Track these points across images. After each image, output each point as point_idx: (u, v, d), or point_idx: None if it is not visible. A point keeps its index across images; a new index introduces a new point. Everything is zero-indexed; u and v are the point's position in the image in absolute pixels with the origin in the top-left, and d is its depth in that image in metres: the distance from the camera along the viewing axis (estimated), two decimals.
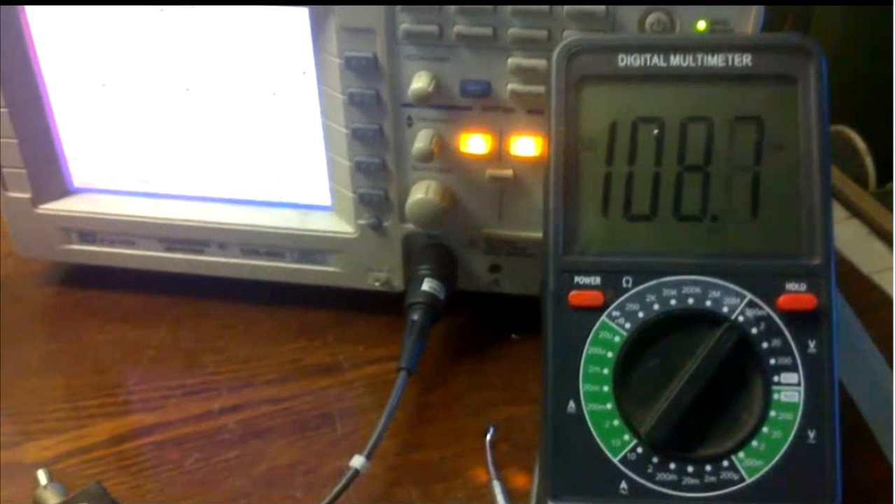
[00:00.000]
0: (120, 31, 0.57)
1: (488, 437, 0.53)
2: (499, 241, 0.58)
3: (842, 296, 0.62)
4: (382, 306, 0.60)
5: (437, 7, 0.50)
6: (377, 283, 0.60)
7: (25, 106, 0.59)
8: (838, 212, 0.91)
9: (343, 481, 0.47)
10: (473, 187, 0.55)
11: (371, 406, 0.56)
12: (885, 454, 0.52)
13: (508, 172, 0.54)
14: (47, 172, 0.62)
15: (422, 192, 0.55)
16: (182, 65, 0.57)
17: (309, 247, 0.60)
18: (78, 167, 0.63)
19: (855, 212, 0.98)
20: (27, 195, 0.62)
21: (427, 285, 0.57)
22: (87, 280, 0.66)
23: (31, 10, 0.57)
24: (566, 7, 0.48)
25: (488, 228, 0.57)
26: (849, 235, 0.91)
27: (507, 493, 0.49)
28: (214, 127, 0.59)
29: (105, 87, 0.59)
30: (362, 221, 0.58)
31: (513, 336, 0.61)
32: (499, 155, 0.54)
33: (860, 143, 1.13)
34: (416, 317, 0.55)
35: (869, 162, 1.11)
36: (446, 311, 0.58)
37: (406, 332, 0.55)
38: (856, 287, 0.67)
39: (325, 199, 0.60)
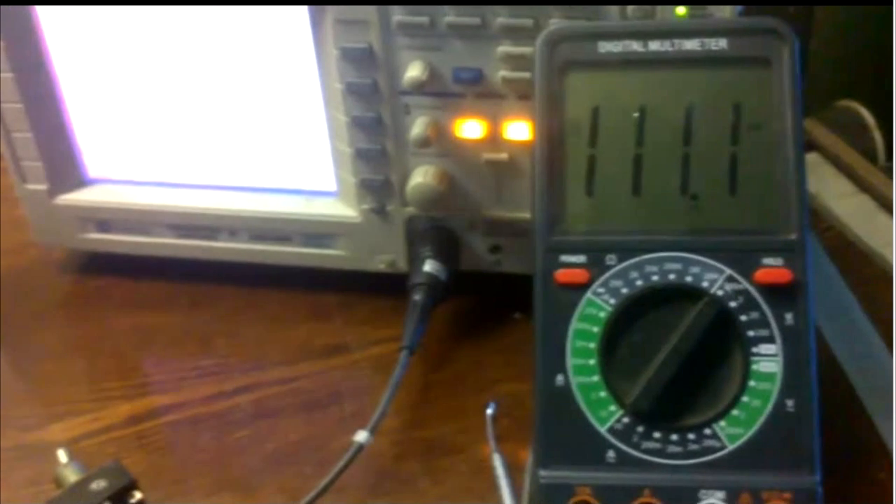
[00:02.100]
0: (129, 28, 0.58)
1: (489, 411, 0.53)
2: (498, 222, 0.59)
3: (837, 270, 0.63)
4: (389, 288, 0.61)
5: None
6: (382, 266, 0.61)
7: (40, 101, 0.61)
8: (847, 187, 0.91)
9: (347, 456, 0.49)
10: (471, 170, 0.57)
11: (377, 385, 0.56)
12: (882, 435, 0.53)
13: (504, 156, 0.56)
14: (63, 165, 0.63)
15: (421, 177, 0.56)
16: (191, 59, 0.58)
17: (315, 231, 0.61)
18: (92, 159, 0.64)
19: (864, 187, 0.97)
20: (44, 187, 0.63)
21: (429, 266, 0.58)
22: (104, 268, 0.67)
23: (42, 10, 0.58)
24: None
25: (487, 210, 0.58)
26: (858, 210, 0.91)
27: (507, 465, 0.50)
28: (223, 118, 0.60)
29: (116, 81, 0.60)
30: (365, 206, 0.59)
31: (515, 315, 0.61)
32: (493, 139, 0.55)
33: (869, 118, 1.12)
34: (418, 297, 0.57)
35: (878, 136, 1.11)
36: (449, 292, 0.59)
37: (408, 313, 0.56)
38: (861, 261, 0.67)
39: (331, 186, 0.61)
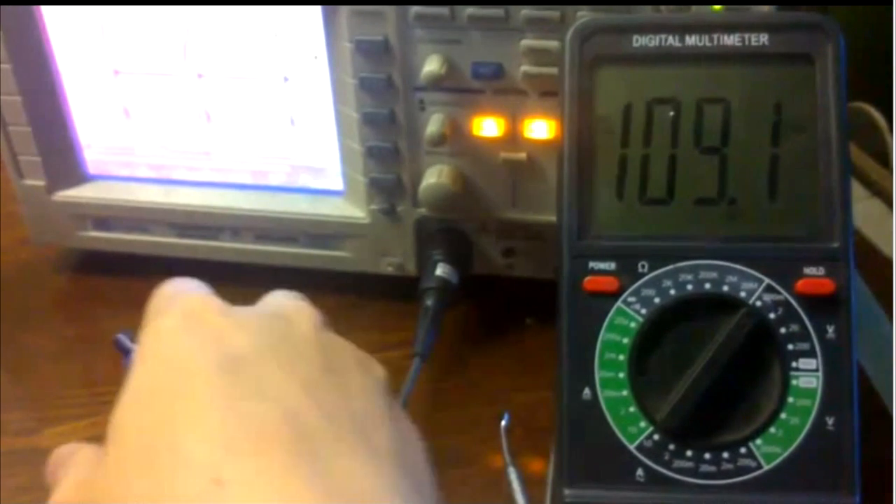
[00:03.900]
0: (132, 19, 0.57)
1: (503, 423, 0.52)
2: (513, 225, 0.57)
3: (862, 280, 0.61)
4: (397, 291, 0.60)
5: None
6: (390, 268, 0.60)
7: (39, 94, 0.59)
8: (859, 190, 0.90)
9: None
10: (487, 171, 0.55)
11: None
12: None
13: (522, 156, 0.54)
14: (62, 160, 0.62)
15: (435, 177, 0.54)
16: (194, 51, 0.57)
17: (322, 232, 0.60)
18: (92, 154, 0.63)
19: (876, 190, 0.96)
20: (42, 182, 0.62)
21: (440, 270, 0.56)
22: (101, 267, 0.66)
23: None
24: None
25: (502, 212, 0.57)
26: (870, 215, 0.90)
27: (523, 479, 0.49)
28: (227, 113, 0.59)
29: (118, 74, 0.59)
30: (375, 207, 0.58)
31: (528, 321, 0.60)
32: (512, 138, 0.53)
33: (880, 120, 1.11)
34: (429, 302, 0.55)
35: (890, 139, 1.10)
36: (461, 296, 0.57)
37: (419, 318, 0.55)
38: (875, 268, 0.65)
39: (338, 185, 0.59)
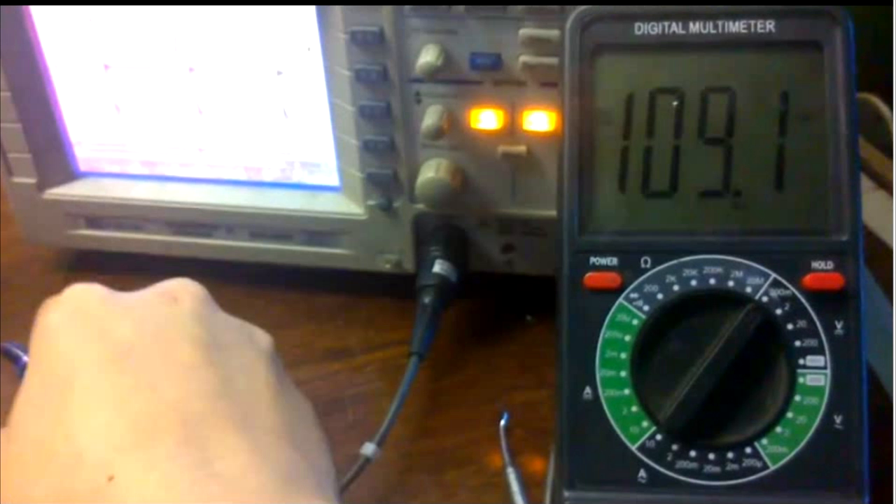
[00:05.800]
0: (121, 12, 0.56)
1: (502, 422, 0.52)
2: (512, 220, 0.56)
3: (870, 274, 0.60)
4: (394, 289, 0.59)
5: None
6: (388, 266, 0.59)
7: (29, 90, 0.58)
8: (864, 182, 0.89)
9: (354, 469, 0.47)
10: (485, 165, 0.54)
11: (382, 391, 0.55)
12: None
13: (521, 149, 0.53)
14: (52, 157, 0.61)
15: (432, 171, 0.53)
16: (185, 44, 0.56)
17: (317, 229, 0.59)
18: (83, 151, 0.62)
19: (881, 182, 0.95)
20: (33, 180, 0.61)
21: (438, 267, 0.55)
22: (96, 266, 0.65)
23: None
24: None
25: (501, 208, 0.56)
26: (875, 207, 0.89)
27: (522, 479, 0.48)
28: (219, 108, 0.58)
29: (108, 68, 0.58)
30: (371, 202, 0.57)
31: (528, 318, 0.60)
32: (511, 130, 0.52)
33: (886, 111, 1.10)
34: (427, 300, 0.54)
35: (895, 130, 1.09)
36: (459, 294, 0.57)
37: (417, 316, 0.54)
38: (880, 261, 0.64)
39: (334, 180, 0.58)
